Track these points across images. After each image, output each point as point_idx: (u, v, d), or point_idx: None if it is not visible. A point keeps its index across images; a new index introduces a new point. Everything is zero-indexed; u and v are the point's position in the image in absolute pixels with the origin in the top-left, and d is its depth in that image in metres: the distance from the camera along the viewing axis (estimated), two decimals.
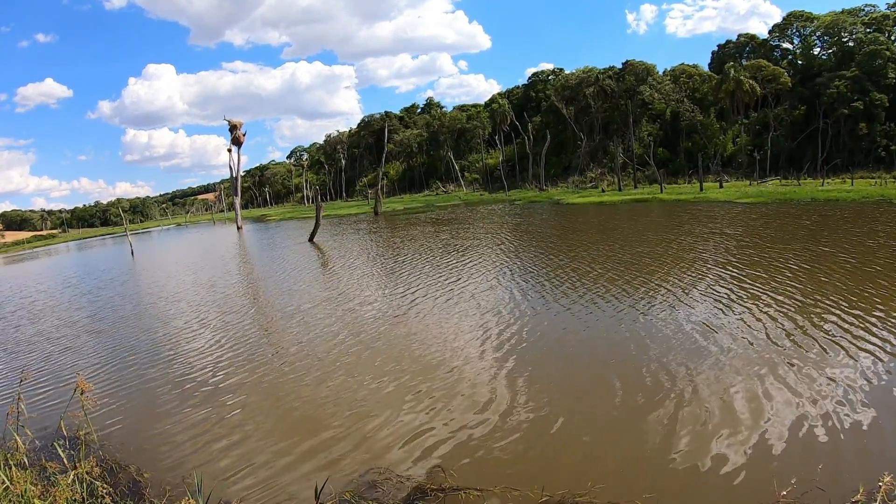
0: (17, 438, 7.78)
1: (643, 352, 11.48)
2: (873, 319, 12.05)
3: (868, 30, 71.71)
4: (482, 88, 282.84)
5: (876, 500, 6.01)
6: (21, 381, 8.97)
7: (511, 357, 11.96)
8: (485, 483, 7.20)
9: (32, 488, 6.50)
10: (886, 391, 8.77)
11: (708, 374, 10.05)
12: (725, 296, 15.21)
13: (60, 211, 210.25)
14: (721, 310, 13.97)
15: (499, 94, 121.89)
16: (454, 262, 25.67)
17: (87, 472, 6.98)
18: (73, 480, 6.80)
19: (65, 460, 7.36)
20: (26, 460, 7.54)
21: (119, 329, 18.67)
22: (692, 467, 7.24)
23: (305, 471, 7.97)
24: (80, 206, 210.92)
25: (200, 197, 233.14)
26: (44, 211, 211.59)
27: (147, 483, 7.91)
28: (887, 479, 6.22)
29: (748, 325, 12.54)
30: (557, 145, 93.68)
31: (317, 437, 9.00)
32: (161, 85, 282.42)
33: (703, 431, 8.04)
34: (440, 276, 22.14)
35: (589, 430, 8.45)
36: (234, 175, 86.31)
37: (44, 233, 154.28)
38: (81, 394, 7.33)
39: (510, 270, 22.08)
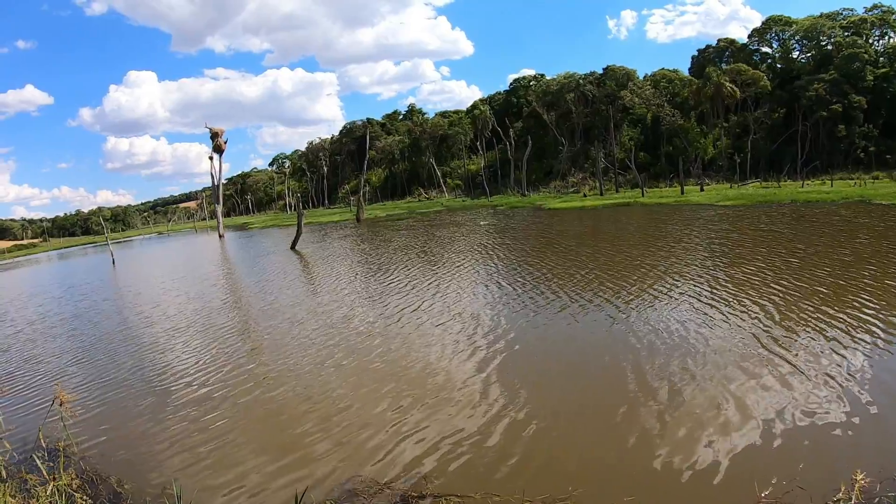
0: None
1: (624, 355, 11.58)
2: (854, 321, 12.20)
3: (846, 33, 73.03)
4: (464, 94, 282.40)
5: (851, 499, 6.09)
6: None
7: (493, 364, 12.01)
8: (467, 489, 7.23)
9: (11, 500, 6.45)
10: (865, 389, 8.90)
11: (689, 376, 10.17)
12: (708, 298, 15.41)
13: (41, 220, 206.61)
14: (703, 312, 14.13)
15: (480, 100, 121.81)
16: (437, 268, 25.73)
17: (66, 485, 6.93)
18: (53, 492, 6.75)
19: (44, 472, 7.30)
20: (4, 472, 7.47)
21: (100, 340, 18.45)
22: (674, 469, 7.30)
23: (287, 479, 7.96)
24: (61, 214, 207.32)
25: (182, 205, 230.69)
26: (24, 220, 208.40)
27: (128, 494, 7.84)
28: (860, 476, 6.33)
29: (729, 327, 12.72)
30: (539, 150, 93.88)
31: (299, 446, 8.99)
32: (142, 92, 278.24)
33: (685, 433, 8.13)
34: (423, 282, 22.18)
35: (572, 435, 8.51)
36: (216, 183, 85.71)
37: (25, 242, 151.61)
38: (60, 405, 7.27)
39: (492, 275, 22.19)
